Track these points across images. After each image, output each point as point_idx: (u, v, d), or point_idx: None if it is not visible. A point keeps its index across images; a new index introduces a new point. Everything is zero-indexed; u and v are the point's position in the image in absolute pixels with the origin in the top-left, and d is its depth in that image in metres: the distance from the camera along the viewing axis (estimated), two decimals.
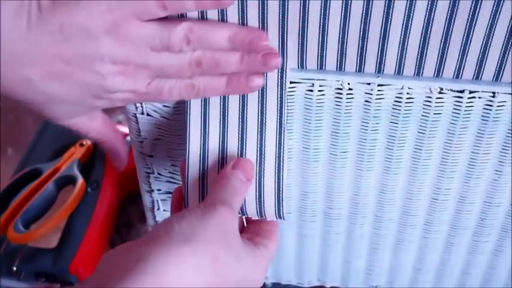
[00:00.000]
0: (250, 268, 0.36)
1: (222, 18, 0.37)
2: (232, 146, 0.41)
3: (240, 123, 0.40)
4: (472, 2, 0.35)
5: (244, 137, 0.40)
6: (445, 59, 0.38)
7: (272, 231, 0.40)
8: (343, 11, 0.36)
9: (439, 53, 0.38)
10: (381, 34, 0.37)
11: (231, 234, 0.35)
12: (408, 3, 0.35)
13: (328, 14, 0.36)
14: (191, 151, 0.41)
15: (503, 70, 0.38)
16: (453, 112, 0.40)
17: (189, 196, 0.41)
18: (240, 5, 0.36)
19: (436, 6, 0.35)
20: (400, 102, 0.40)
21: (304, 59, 0.39)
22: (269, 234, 0.40)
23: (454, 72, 0.39)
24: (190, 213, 0.35)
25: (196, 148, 0.41)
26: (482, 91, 0.39)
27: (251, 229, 0.41)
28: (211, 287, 0.33)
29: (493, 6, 0.35)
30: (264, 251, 0.38)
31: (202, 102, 0.40)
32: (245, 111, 0.40)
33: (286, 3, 0.36)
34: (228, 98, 0.40)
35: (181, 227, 0.34)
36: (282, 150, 0.40)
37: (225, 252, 0.34)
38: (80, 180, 0.63)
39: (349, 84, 0.39)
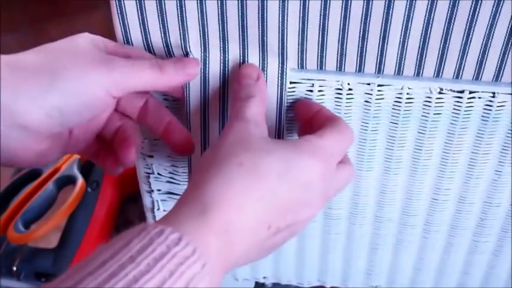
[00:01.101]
0: (290, 156, 0.33)
1: (223, 18, 0.37)
2: None
3: None
4: (472, 2, 0.35)
5: None
6: (445, 59, 0.38)
7: (327, 128, 0.36)
8: (343, 11, 0.36)
9: (439, 53, 0.38)
10: (380, 34, 0.37)
11: (248, 138, 0.34)
12: (408, 3, 0.35)
13: (328, 14, 0.36)
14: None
15: (503, 70, 0.38)
16: (453, 112, 0.40)
17: None
18: (240, 5, 0.36)
19: (436, 6, 0.35)
20: (400, 102, 0.40)
21: (304, 59, 0.39)
22: (322, 131, 0.36)
23: (454, 73, 0.39)
24: (213, 144, 0.35)
25: (197, 146, 0.41)
26: (482, 91, 0.39)
27: None
28: (254, 190, 0.32)
29: (493, 6, 0.35)
30: (306, 141, 0.35)
31: (202, 103, 0.40)
32: None
33: (286, 3, 0.36)
34: (227, 97, 0.40)
35: (200, 165, 0.34)
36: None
37: (246, 154, 0.33)
38: (80, 180, 0.63)
39: (349, 84, 0.39)
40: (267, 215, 0.32)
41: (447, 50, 0.37)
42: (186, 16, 0.37)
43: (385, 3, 0.35)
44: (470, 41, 0.37)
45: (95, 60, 0.35)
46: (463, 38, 0.37)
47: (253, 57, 0.39)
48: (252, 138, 0.34)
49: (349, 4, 0.36)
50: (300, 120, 0.40)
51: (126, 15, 0.38)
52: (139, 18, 0.38)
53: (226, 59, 0.39)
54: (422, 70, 0.39)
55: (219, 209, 0.30)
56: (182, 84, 0.39)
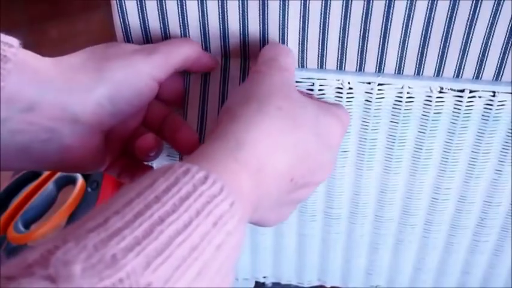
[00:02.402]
0: (320, 113, 0.34)
1: (223, 18, 0.37)
2: None
3: None
4: (472, 2, 0.35)
5: None
6: (445, 58, 0.38)
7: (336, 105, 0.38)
8: (343, 10, 0.36)
9: (439, 53, 0.38)
10: (381, 33, 0.37)
11: (287, 87, 0.34)
12: (408, 3, 0.35)
13: (329, 14, 0.36)
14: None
15: (503, 69, 0.38)
16: (453, 111, 0.40)
17: None
18: (240, 5, 0.36)
19: (436, 6, 0.35)
20: (400, 101, 0.40)
21: (305, 58, 0.39)
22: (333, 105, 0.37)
23: (454, 72, 0.39)
24: (238, 88, 0.35)
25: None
26: (482, 90, 0.39)
27: None
28: (289, 131, 0.32)
29: (493, 6, 0.35)
30: (333, 105, 0.36)
31: (201, 103, 0.40)
32: None
33: (286, 3, 0.36)
34: (227, 97, 0.40)
35: (233, 102, 0.33)
36: None
37: (286, 100, 0.33)
38: (80, 180, 0.63)
39: (349, 83, 0.39)
40: (294, 165, 0.32)
41: (447, 49, 0.37)
42: (186, 16, 0.37)
43: (386, 2, 0.35)
44: (471, 40, 0.37)
45: (135, 48, 0.36)
46: (463, 37, 0.37)
47: (254, 57, 0.39)
48: (290, 87, 0.34)
49: (349, 3, 0.36)
50: None
51: (126, 15, 0.38)
52: (139, 18, 0.38)
53: (227, 59, 0.39)
54: (423, 69, 0.39)
55: (255, 147, 0.30)
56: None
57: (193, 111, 0.40)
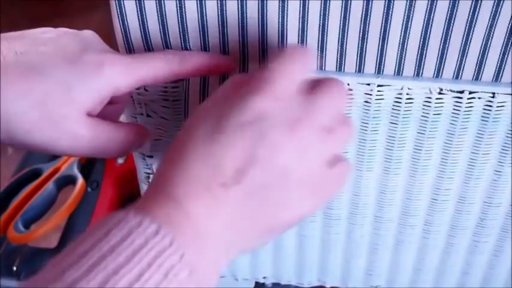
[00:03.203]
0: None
1: (222, 19, 0.37)
2: None
3: None
4: (472, 2, 0.35)
5: None
6: (445, 59, 0.38)
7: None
8: (342, 11, 0.36)
9: (438, 54, 0.38)
10: (380, 34, 0.37)
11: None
12: (408, 3, 0.35)
13: (328, 14, 0.36)
14: None
15: (503, 70, 0.38)
16: (453, 112, 0.40)
17: None
18: (240, 5, 0.36)
19: (435, 6, 0.35)
20: (399, 102, 0.40)
21: None
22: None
23: (454, 73, 0.39)
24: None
25: None
26: (482, 91, 0.39)
27: None
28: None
29: (493, 7, 0.35)
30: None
31: (201, 100, 0.40)
32: None
33: (286, 3, 0.36)
34: None
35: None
36: None
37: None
38: (80, 180, 0.63)
39: (348, 84, 0.39)
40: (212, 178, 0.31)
41: (447, 50, 0.37)
42: (185, 16, 0.37)
43: (385, 3, 0.35)
44: (470, 41, 0.37)
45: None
46: (463, 38, 0.37)
47: (253, 58, 0.39)
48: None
49: (348, 4, 0.36)
50: None
51: (126, 15, 0.38)
52: (139, 19, 0.38)
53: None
54: (422, 70, 0.39)
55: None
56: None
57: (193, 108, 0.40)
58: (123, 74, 0.35)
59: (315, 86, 0.33)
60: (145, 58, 0.37)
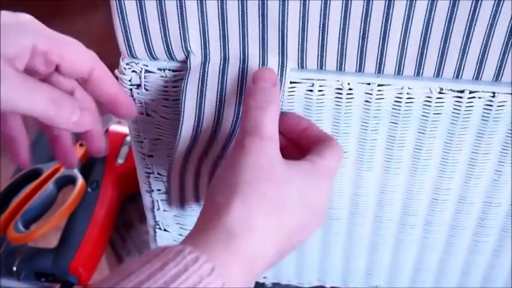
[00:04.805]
0: (303, 185, 0.35)
1: (223, 18, 0.37)
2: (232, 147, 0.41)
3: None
4: (472, 2, 0.35)
5: None
6: (445, 59, 0.38)
7: (324, 148, 0.38)
8: (343, 11, 0.36)
9: (439, 53, 0.38)
10: (380, 34, 0.37)
11: (267, 163, 0.35)
12: (408, 3, 0.35)
13: (328, 14, 0.36)
14: (180, 143, 0.40)
15: (503, 70, 0.38)
16: (453, 112, 0.40)
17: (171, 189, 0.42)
18: (240, 5, 0.36)
19: (436, 6, 0.35)
20: (400, 102, 0.40)
21: (304, 59, 0.39)
22: (321, 151, 0.37)
23: (454, 72, 0.39)
24: (224, 168, 0.36)
25: (186, 140, 0.40)
26: (482, 91, 0.39)
27: (304, 153, 0.39)
28: (275, 220, 0.34)
29: (493, 6, 0.35)
30: (312, 164, 0.36)
31: (198, 102, 0.40)
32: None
33: (286, 3, 0.36)
34: (224, 98, 0.40)
35: (220, 187, 0.35)
36: None
37: (269, 184, 0.34)
38: (80, 180, 0.63)
39: (349, 84, 0.39)
40: (282, 244, 0.35)
41: (447, 50, 0.37)
42: (186, 16, 0.37)
43: (385, 3, 0.35)
44: (470, 41, 0.37)
45: None
46: (463, 38, 0.37)
47: (253, 57, 0.39)
48: (273, 164, 0.35)
49: (349, 4, 0.36)
50: (285, 134, 0.40)
51: (126, 15, 0.38)
52: (139, 18, 0.38)
53: (227, 59, 0.39)
54: (423, 70, 0.39)
55: (244, 238, 0.32)
56: (69, 130, 0.38)
57: (190, 112, 0.40)
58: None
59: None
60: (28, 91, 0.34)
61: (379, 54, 0.38)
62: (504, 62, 0.37)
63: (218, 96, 0.40)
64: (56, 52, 0.35)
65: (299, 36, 0.38)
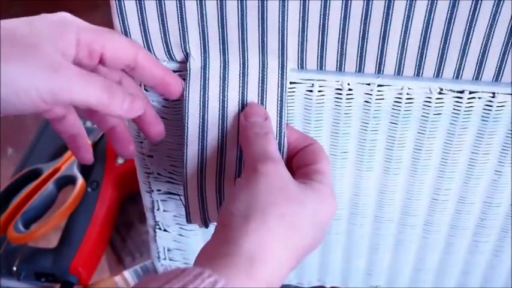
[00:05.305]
0: (316, 205, 0.36)
1: (222, 18, 0.37)
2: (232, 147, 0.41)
3: None
4: (472, 2, 0.35)
5: None
6: (445, 59, 0.38)
7: (324, 165, 0.39)
8: (343, 11, 0.36)
9: (438, 54, 0.38)
10: (380, 34, 0.37)
11: (283, 185, 0.36)
12: (408, 3, 0.35)
13: (328, 14, 0.36)
14: (189, 156, 0.41)
15: (503, 70, 0.38)
16: (453, 112, 0.40)
17: (189, 200, 0.42)
18: (240, 5, 0.36)
19: (436, 6, 0.35)
20: (400, 102, 0.40)
21: (304, 59, 0.39)
22: (323, 169, 0.39)
23: (454, 73, 0.38)
24: (239, 190, 0.36)
25: (195, 152, 0.41)
26: (482, 91, 0.39)
27: (301, 175, 0.40)
28: (291, 241, 0.35)
29: (493, 6, 0.35)
30: (321, 184, 0.37)
31: (202, 103, 0.40)
32: None
33: (286, 3, 0.36)
34: (227, 98, 0.40)
35: (238, 208, 0.35)
36: (282, 150, 0.40)
37: (287, 205, 0.35)
38: (80, 180, 0.63)
39: (349, 84, 0.39)
40: (295, 263, 0.36)
41: (447, 50, 0.37)
42: (185, 17, 0.37)
43: (385, 3, 0.35)
44: (470, 41, 0.37)
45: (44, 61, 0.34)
46: (463, 38, 0.37)
47: (253, 58, 0.39)
48: (288, 185, 0.36)
49: (349, 4, 0.36)
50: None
51: (126, 15, 0.38)
52: (139, 19, 0.38)
53: (227, 59, 0.39)
54: (422, 70, 0.39)
55: (263, 263, 0.33)
56: (122, 117, 0.38)
57: (194, 113, 0.40)
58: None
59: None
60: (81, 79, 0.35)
61: (379, 54, 0.38)
62: (504, 62, 0.37)
63: (220, 103, 0.40)
64: (98, 42, 0.36)
65: (299, 36, 0.38)
